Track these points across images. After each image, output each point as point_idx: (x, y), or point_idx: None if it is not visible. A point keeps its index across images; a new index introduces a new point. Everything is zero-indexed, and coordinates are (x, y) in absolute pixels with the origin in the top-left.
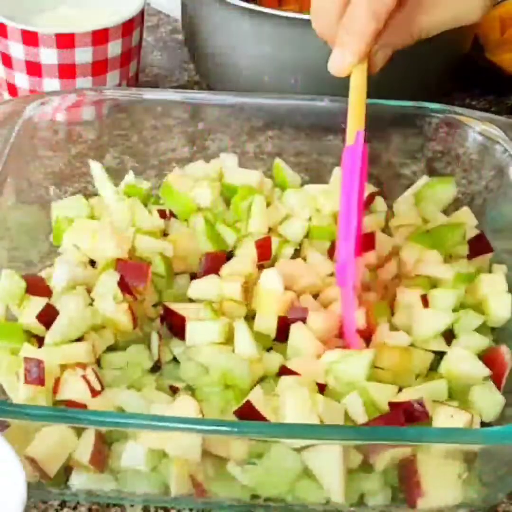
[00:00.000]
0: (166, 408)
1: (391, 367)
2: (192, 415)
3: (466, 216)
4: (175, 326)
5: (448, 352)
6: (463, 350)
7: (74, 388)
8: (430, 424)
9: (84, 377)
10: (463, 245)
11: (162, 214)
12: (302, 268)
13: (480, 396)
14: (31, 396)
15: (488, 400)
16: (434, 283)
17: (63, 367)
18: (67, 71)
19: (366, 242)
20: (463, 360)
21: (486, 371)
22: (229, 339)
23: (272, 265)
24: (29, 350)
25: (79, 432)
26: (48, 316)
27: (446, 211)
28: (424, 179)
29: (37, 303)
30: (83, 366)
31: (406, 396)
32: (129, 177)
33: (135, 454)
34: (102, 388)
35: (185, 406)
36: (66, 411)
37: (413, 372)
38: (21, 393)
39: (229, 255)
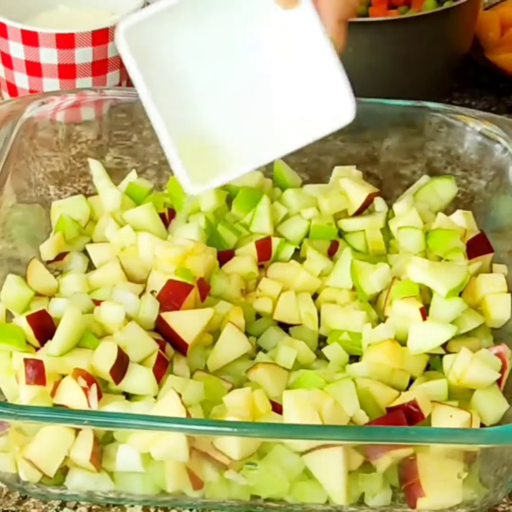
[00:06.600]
0: (150, 407)
1: (384, 361)
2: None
3: (465, 218)
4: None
5: (457, 356)
6: (472, 354)
7: (71, 396)
8: (429, 424)
9: (84, 389)
10: (459, 253)
11: (161, 216)
12: (295, 268)
13: (483, 400)
14: (32, 397)
15: (491, 404)
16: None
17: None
18: (67, 71)
19: None
20: (472, 365)
21: (496, 376)
22: None
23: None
24: (25, 355)
25: (77, 431)
26: (40, 321)
27: (446, 211)
28: (424, 179)
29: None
30: (86, 375)
31: (409, 396)
32: (132, 176)
33: (129, 457)
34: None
35: (169, 405)
36: (65, 412)
37: (408, 373)
38: (22, 394)
39: (231, 254)
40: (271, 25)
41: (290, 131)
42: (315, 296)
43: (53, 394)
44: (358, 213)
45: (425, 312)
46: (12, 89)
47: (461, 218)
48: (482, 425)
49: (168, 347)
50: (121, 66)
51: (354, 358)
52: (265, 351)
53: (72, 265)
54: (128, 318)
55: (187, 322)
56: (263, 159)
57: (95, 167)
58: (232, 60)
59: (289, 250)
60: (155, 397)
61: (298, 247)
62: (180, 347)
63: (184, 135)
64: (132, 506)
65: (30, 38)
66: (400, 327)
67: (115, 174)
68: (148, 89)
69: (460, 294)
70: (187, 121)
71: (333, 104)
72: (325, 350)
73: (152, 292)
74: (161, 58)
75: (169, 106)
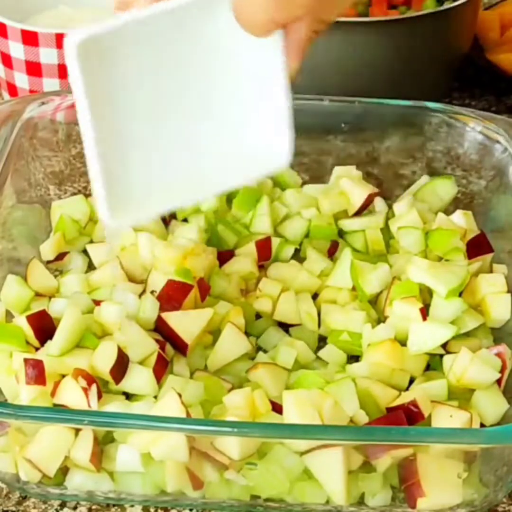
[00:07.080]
0: (150, 407)
1: (384, 361)
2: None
3: (465, 218)
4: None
5: (457, 356)
6: (472, 354)
7: (71, 396)
8: (429, 424)
9: (84, 389)
10: (459, 253)
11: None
12: (295, 268)
13: (483, 400)
14: (32, 397)
15: (491, 404)
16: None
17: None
18: (67, 71)
19: None
20: (472, 365)
21: (496, 376)
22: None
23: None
24: (25, 355)
25: (77, 431)
26: (40, 321)
27: (446, 211)
28: (424, 179)
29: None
30: (86, 375)
31: (409, 396)
32: None
33: (129, 457)
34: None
35: (169, 405)
36: (65, 412)
37: (408, 373)
38: (22, 394)
39: (231, 254)
40: (226, 48)
41: (223, 167)
42: (315, 296)
43: (53, 394)
44: (358, 213)
45: (425, 312)
46: (12, 89)
47: (461, 218)
48: (482, 425)
49: (168, 347)
50: None
51: (354, 358)
52: (265, 351)
53: (72, 265)
54: (128, 318)
55: (187, 322)
56: (191, 197)
57: None
58: (175, 83)
59: (289, 250)
60: (155, 397)
61: (298, 247)
62: (180, 347)
63: (113, 156)
64: (132, 506)
65: (30, 38)
66: (400, 327)
67: None
68: (89, 105)
69: (460, 294)
70: (119, 144)
71: (271, 143)
72: (322, 353)
73: (152, 292)
74: (105, 76)
75: (104, 125)
